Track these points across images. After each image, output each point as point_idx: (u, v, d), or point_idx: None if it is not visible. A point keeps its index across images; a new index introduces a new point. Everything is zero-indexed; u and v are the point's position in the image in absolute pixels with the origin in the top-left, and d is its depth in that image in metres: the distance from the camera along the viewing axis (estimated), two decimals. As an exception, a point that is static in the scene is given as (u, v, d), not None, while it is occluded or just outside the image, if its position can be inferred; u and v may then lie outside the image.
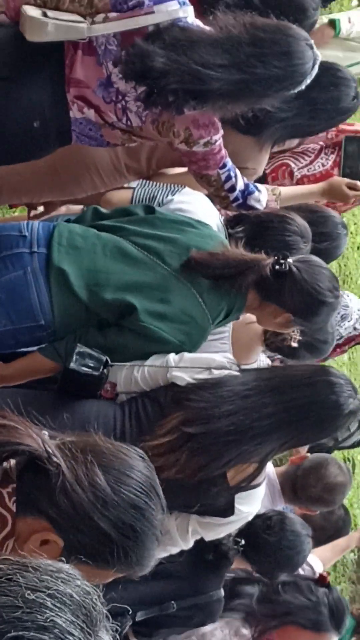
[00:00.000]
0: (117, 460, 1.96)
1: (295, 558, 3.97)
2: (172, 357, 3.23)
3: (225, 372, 3.24)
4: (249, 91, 3.23)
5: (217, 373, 3.23)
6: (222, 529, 3.29)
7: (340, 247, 4.14)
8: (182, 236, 3.37)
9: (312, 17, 3.90)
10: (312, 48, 3.28)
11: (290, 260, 3.32)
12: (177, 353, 3.25)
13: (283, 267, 3.30)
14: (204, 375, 3.21)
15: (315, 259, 3.47)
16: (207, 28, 3.27)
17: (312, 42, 3.29)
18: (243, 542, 3.75)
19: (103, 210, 3.57)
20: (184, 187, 3.75)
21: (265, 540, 3.86)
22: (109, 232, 3.37)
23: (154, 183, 3.84)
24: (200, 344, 3.33)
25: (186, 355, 3.26)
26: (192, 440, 3.08)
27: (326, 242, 4.12)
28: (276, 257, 3.32)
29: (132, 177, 3.96)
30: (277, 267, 3.30)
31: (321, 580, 4.04)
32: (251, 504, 3.24)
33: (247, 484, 3.16)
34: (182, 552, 3.34)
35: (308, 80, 3.30)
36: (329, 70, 3.75)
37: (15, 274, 3.23)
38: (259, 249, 3.41)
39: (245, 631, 3.94)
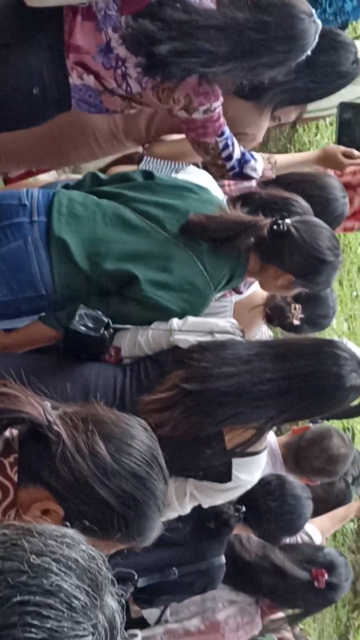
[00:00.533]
0: (118, 430, 1.95)
1: (297, 522, 3.97)
2: (175, 321, 3.23)
3: (229, 336, 3.24)
4: (252, 73, 3.25)
5: (219, 337, 3.22)
6: (219, 495, 3.27)
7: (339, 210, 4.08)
8: (181, 202, 3.35)
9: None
10: (315, 21, 3.25)
11: (288, 220, 3.32)
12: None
13: (281, 227, 3.29)
14: (207, 339, 3.20)
15: (315, 219, 3.44)
16: (209, 3, 3.25)
17: (314, 12, 3.27)
18: (244, 509, 3.75)
19: (102, 176, 3.55)
20: (189, 165, 3.73)
21: (266, 506, 3.85)
22: (108, 198, 3.35)
23: (159, 161, 3.82)
24: (202, 311, 3.33)
25: (190, 319, 3.25)
26: (188, 397, 3.07)
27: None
28: (274, 218, 3.30)
29: (131, 144, 3.95)
30: (275, 227, 3.29)
31: (315, 580, 4.05)
32: (250, 473, 3.22)
33: (245, 449, 3.14)
34: (185, 523, 3.35)
35: (309, 52, 3.29)
36: (328, 34, 3.72)
37: (15, 243, 3.21)
38: None
39: (259, 620, 3.96)
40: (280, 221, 3.30)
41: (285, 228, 3.30)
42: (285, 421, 3.45)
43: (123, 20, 3.22)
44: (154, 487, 1.96)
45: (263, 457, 3.24)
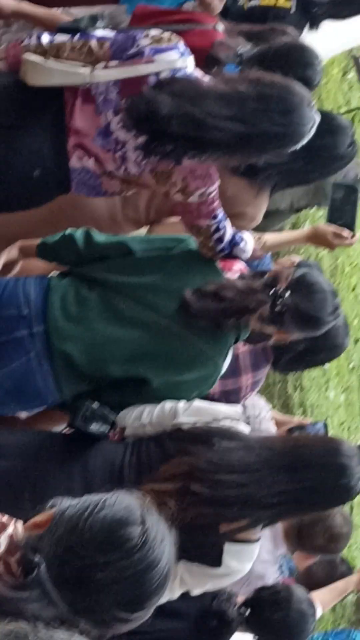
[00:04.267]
0: None
1: (297, 637, 3.95)
2: (181, 405, 3.26)
3: (233, 423, 3.27)
4: (249, 145, 3.22)
5: (224, 423, 3.26)
6: (209, 582, 3.25)
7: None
8: (170, 277, 3.39)
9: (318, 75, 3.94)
10: (312, 110, 3.29)
11: (287, 294, 3.35)
12: None
13: (281, 307, 3.34)
14: (211, 423, 3.24)
15: (314, 280, 3.48)
16: (207, 79, 3.28)
17: (313, 103, 3.31)
18: (248, 612, 3.73)
19: (96, 237, 3.52)
20: None
21: (271, 615, 3.82)
22: (98, 285, 3.38)
23: None
24: (217, 379, 3.41)
25: (195, 404, 3.29)
26: (195, 496, 3.08)
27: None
28: (273, 298, 3.35)
29: (130, 227, 3.96)
30: (276, 308, 3.34)
31: None
32: (242, 561, 3.21)
33: (237, 534, 3.15)
34: (186, 621, 3.35)
35: (304, 141, 3.29)
36: (325, 118, 3.76)
37: (18, 362, 3.26)
38: None
39: None
40: (279, 301, 3.34)
41: (285, 307, 3.36)
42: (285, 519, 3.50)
43: (123, 102, 3.26)
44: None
45: (256, 549, 3.23)
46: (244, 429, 3.29)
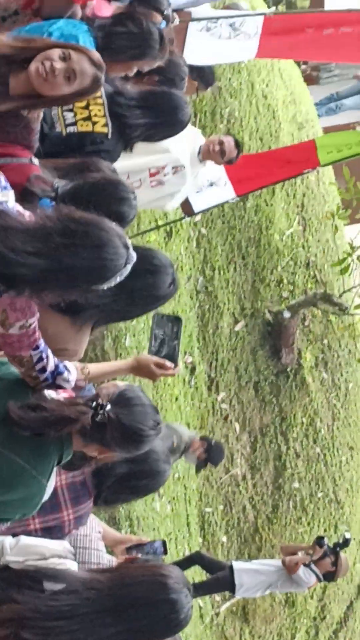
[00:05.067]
0: None
1: None
2: (7, 541, 3.22)
3: (61, 561, 3.24)
4: (57, 280, 3.20)
5: (52, 561, 3.22)
6: None
7: None
8: None
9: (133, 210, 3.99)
10: (127, 247, 3.28)
11: (108, 407, 3.36)
12: None
13: (102, 417, 3.34)
14: (38, 563, 3.20)
15: (134, 395, 3.51)
16: (27, 214, 3.26)
17: (129, 242, 3.31)
18: None
19: None
20: None
21: None
22: None
23: None
24: (40, 503, 3.36)
25: (22, 541, 3.25)
26: None
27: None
28: (94, 409, 3.35)
29: None
30: (97, 418, 3.33)
31: None
32: None
33: None
34: None
35: (119, 278, 3.29)
36: (146, 258, 3.77)
37: None
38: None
39: None
40: (100, 411, 3.34)
41: (106, 417, 3.34)
42: None
43: None
44: None
45: None
46: (71, 565, 3.25)
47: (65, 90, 3.78)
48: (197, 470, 8.89)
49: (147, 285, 3.90)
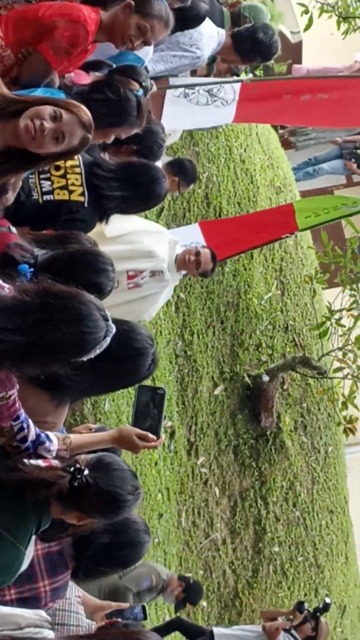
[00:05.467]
0: None
1: None
2: None
3: (37, 630, 3.22)
4: (37, 355, 3.20)
5: (28, 631, 3.21)
6: None
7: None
8: None
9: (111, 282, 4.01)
10: (106, 319, 3.29)
11: (86, 472, 3.36)
12: None
13: (80, 482, 3.33)
14: (14, 633, 3.18)
15: (112, 460, 3.52)
16: (7, 287, 3.27)
17: (108, 314, 3.32)
18: None
19: None
20: None
21: None
22: None
23: None
24: (20, 569, 3.36)
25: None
26: None
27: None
28: (72, 473, 3.35)
29: None
30: (75, 483, 3.33)
31: None
32: None
33: None
34: None
35: (98, 350, 3.30)
36: (126, 342, 3.79)
37: None
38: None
39: None
40: (78, 476, 3.34)
41: (84, 482, 3.34)
42: None
43: None
44: None
45: None
46: (47, 635, 3.22)
47: (52, 149, 3.75)
48: (176, 609, 8.67)
49: (127, 371, 3.93)
